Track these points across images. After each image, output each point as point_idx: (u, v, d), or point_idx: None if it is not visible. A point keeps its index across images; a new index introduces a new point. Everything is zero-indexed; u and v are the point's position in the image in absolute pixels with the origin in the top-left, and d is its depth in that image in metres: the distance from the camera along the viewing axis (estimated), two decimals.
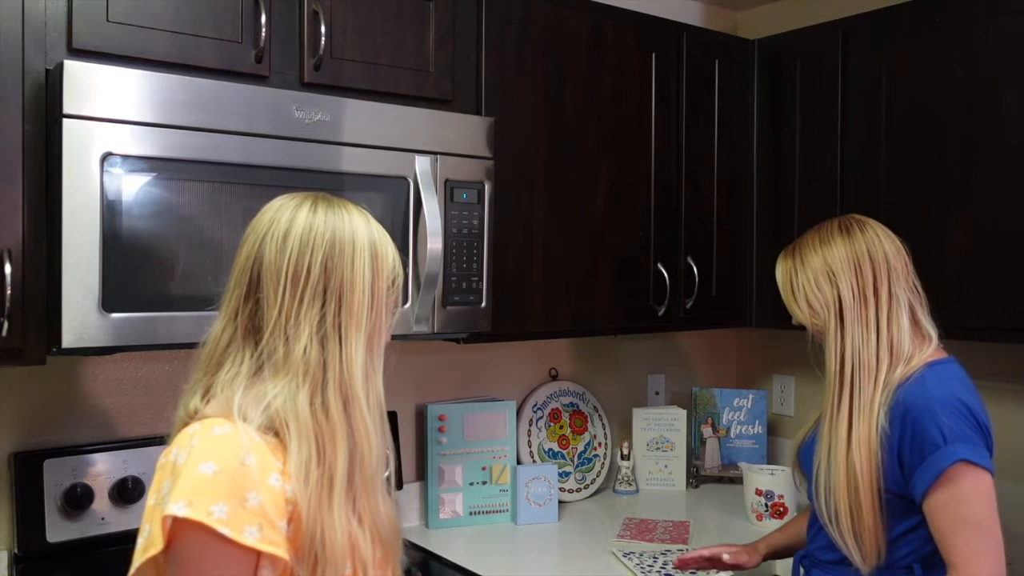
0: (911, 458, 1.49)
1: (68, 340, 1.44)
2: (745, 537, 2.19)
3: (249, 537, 0.98)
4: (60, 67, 1.43)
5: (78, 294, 1.44)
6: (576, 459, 2.63)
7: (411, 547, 2.16)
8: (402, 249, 1.76)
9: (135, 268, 1.49)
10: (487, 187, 1.91)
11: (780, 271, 1.71)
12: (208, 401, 1.10)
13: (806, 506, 1.90)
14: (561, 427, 2.62)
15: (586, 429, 2.67)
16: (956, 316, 1.86)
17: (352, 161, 1.71)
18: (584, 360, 2.73)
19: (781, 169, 2.53)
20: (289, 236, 1.10)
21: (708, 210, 2.51)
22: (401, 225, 1.79)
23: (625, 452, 2.70)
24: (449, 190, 1.85)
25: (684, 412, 2.77)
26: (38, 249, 1.49)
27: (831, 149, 2.38)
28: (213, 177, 1.57)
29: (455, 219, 1.86)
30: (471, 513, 2.37)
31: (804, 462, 1.74)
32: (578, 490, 2.61)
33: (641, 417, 2.76)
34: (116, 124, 1.47)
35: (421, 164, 1.79)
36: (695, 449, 2.81)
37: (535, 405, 2.58)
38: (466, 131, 1.88)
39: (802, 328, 1.70)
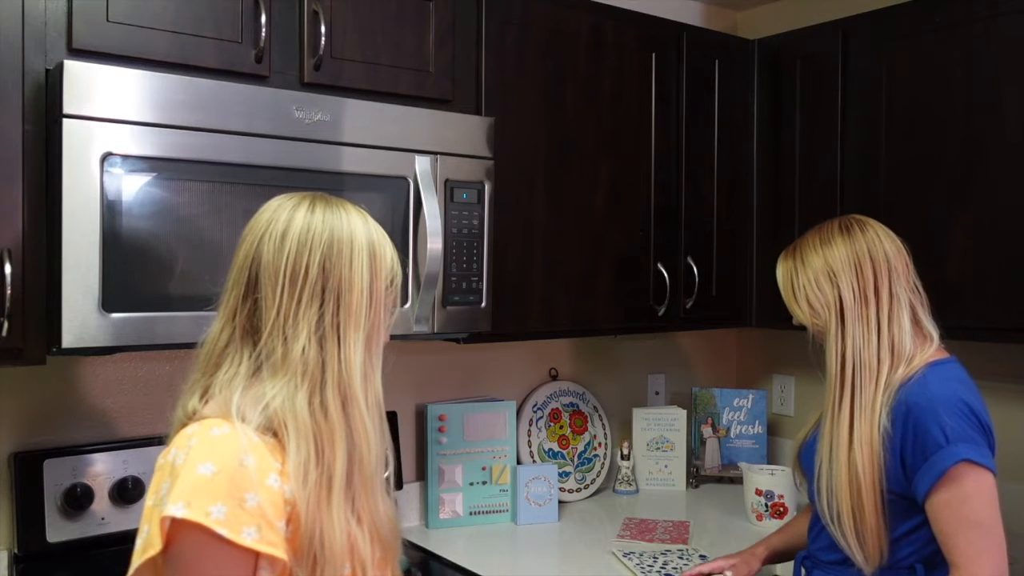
0: (913, 458, 1.49)
1: (68, 340, 1.44)
2: (745, 537, 2.20)
3: (247, 538, 0.98)
4: (60, 67, 1.43)
5: (78, 294, 1.44)
6: (576, 459, 2.63)
7: (411, 547, 2.16)
8: (402, 249, 1.76)
9: (135, 268, 1.49)
10: (487, 187, 1.91)
11: (781, 271, 1.71)
12: (206, 402, 1.10)
13: (806, 506, 1.90)
14: (561, 427, 2.62)
15: (586, 429, 2.67)
16: (956, 316, 1.86)
17: (352, 161, 1.71)
18: (584, 360, 2.73)
19: (781, 169, 2.53)
20: (287, 236, 1.10)
21: (708, 210, 2.51)
22: (401, 225, 1.79)
23: (625, 452, 2.70)
24: (449, 190, 1.85)
25: (684, 412, 2.77)
26: (38, 249, 1.49)
27: (831, 149, 2.38)
28: (213, 177, 1.57)
29: (455, 219, 1.86)
30: (471, 513, 2.37)
31: (805, 462, 1.74)
32: (578, 490, 2.61)
33: (641, 417, 2.76)
34: (116, 124, 1.47)
35: (421, 164, 1.79)
36: (695, 449, 2.81)
37: (535, 405, 2.58)
38: (466, 131, 1.88)
39: (803, 328, 1.70)
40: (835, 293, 1.60)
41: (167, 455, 1.04)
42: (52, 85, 1.47)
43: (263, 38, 1.68)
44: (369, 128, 1.73)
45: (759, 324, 2.61)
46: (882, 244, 1.62)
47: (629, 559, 2.07)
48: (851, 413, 1.56)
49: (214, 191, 1.57)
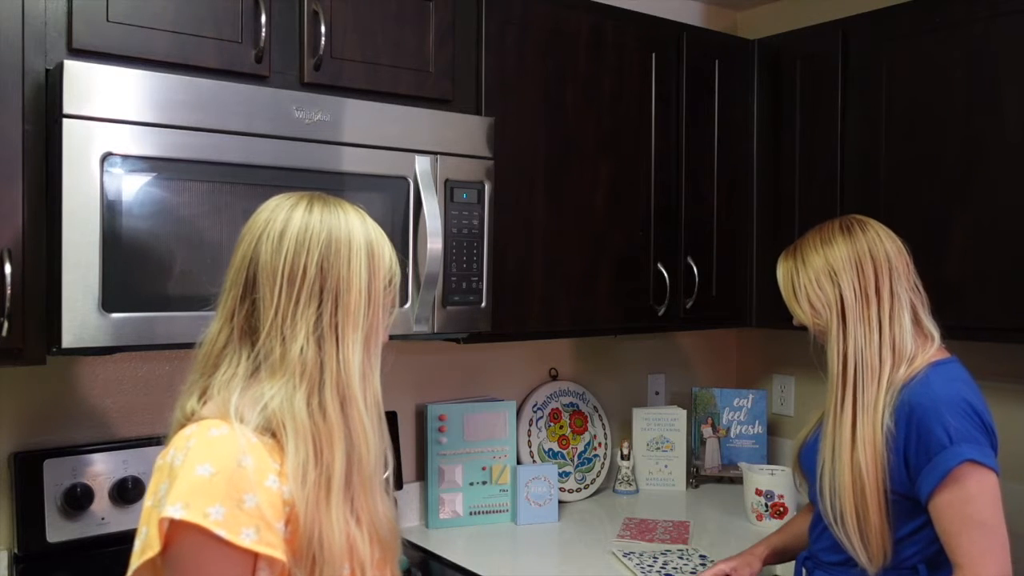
0: (917, 458, 1.49)
1: (68, 340, 1.44)
2: (745, 537, 2.20)
3: (246, 539, 0.98)
4: (60, 67, 1.43)
5: (78, 294, 1.44)
6: (576, 459, 2.63)
7: (411, 547, 2.16)
8: (402, 249, 1.76)
9: (135, 268, 1.49)
10: (487, 187, 1.91)
11: (781, 271, 1.71)
12: (205, 402, 1.09)
13: (805, 506, 1.90)
14: (561, 427, 2.62)
15: (586, 429, 2.67)
16: (956, 316, 1.86)
17: (352, 161, 1.71)
18: (584, 360, 2.73)
19: (781, 169, 2.53)
20: (285, 236, 1.10)
21: (708, 210, 2.51)
22: (401, 225, 1.79)
23: (625, 452, 2.70)
24: (449, 190, 1.85)
25: (684, 412, 2.76)
26: (38, 249, 1.49)
27: (831, 149, 2.38)
28: (213, 177, 1.57)
29: (455, 219, 1.86)
30: (471, 513, 2.37)
31: (805, 463, 1.73)
32: (578, 490, 2.61)
33: (641, 417, 2.76)
34: (116, 124, 1.47)
35: (421, 164, 1.79)
36: (695, 449, 2.81)
37: (535, 405, 2.58)
38: (466, 131, 1.88)
39: (803, 328, 1.70)
40: (836, 293, 1.60)
41: (165, 456, 1.04)
42: (52, 85, 1.47)
43: (263, 38, 1.68)
44: (369, 128, 1.73)
45: (759, 324, 2.61)
46: (883, 244, 1.62)
47: (629, 559, 2.07)
48: (853, 413, 1.56)
49: (214, 191, 1.57)
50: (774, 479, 2.43)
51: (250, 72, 1.68)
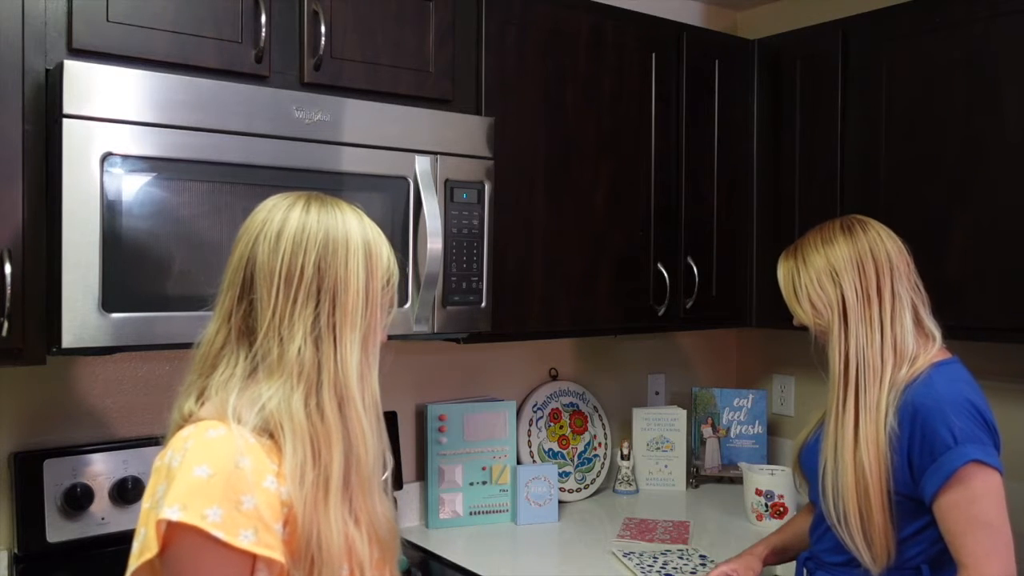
0: (921, 459, 1.49)
1: (68, 340, 1.44)
2: (745, 537, 2.20)
3: (244, 540, 0.98)
4: (60, 67, 1.43)
5: (78, 294, 1.44)
6: (576, 459, 2.63)
7: (411, 547, 2.16)
8: (402, 249, 1.76)
9: (135, 268, 1.49)
10: (487, 187, 1.91)
11: (782, 271, 1.71)
12: (203, 403, 1.09)
13: (805, 506, 1.90)
14: (561, 427, 2.62)
15: (586, 429, 2.67)
16: (956, 316, 1.86)
17: (352, 161, 1.71)
18: (584, 360, 2.73)
19: (781, 169, 2.53)
20: (282, 236, 1.10)
21: (708, 210, 2.51)
22: (401, 225, 1.79)
23: (625, 452, 2.70)
24: (449, 190, 1.85)
25: (684, 412, 2.76)
26: (38, 249, 1.49)
27: (831, 149, 2.38)
28: (213, 177, 1.57)
29: (455, 219, 1.86)
30: (471, 513, 2.37)
31: (806, 463, 1.73)
32: (578, 490, 2.61)
33: (641, 417, 2.76)
34: (116, 124, 1.47)
35: (421, 164, 1.79)
36: (695, 449, 2.81)
37: (535, 405, 2.58)
38: (466, 131, 1.88)
39: (803, 329, 1.69)
40: (838, 292, 1.60)
41: (163, 457, 1.04)
42: (52, 85, 1.47)
43: (263, 38, 1.68)
44: (369, 128, 1.73)
45: (759, 324, 2.61)
46: (884, 244, 1.62)
47: (629, 559, 2.07)
48: (856, 413, 1.56)
49: (214, 191, 1.57)
50: (774, 479, 2.43)
51: (250, 72, 1.68)
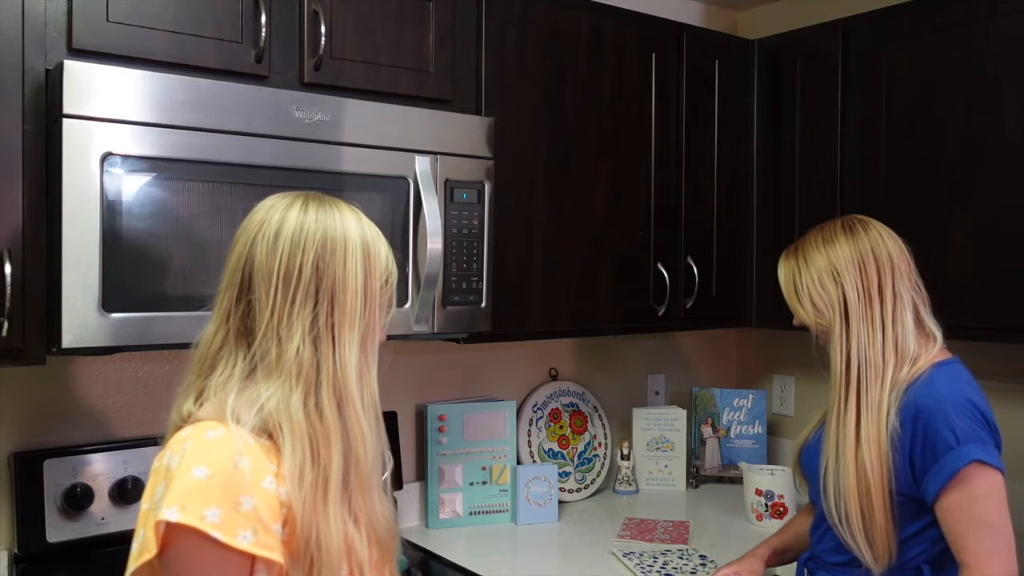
0: (923, 459, 1.49)
1: (68, 340, 1.44)
2: (745, 537, 2.20)
3: (243, 541, 0.98)
4: (60, 67, 1.43)
5: (78, 294, 1.44)
6: (576, 459, 2.63)
7: (411, 547, 2.16)
8: (402, 249, 1.76)
9: (135, 268, 1.49)
10: (487, 187, 1.91)
11: (783, 271, 1.70)
12: (201, 404, 1.09)
13: (805, 506, 1.90)
14: (561, 427, 2.62)
15: (586, 429, 2.67)
16: (956, 316, 1.86)
17: (352, 161, 1.71)
18: (584, 360, 2.73)
19: (781, 169, 2.53)
20: (280, 236, 1.09)
21: (708, 210, 2.51)
22: (401, 225, 1.79)
23: (625, 452, 2.70)
24: (449, 190, 1.85)
25: (684, 412, 2.76)
26: (38, 249, 1.49)
27: (831, 149, 2.38)
28: (213, 177, 1.57)
29: (455, 219, 1.86)
30: (471, 513, 2.37)
31: (806, 463, 1.73)
32: (578, 490, 2.61)
33: (641, 417, 2.76)
34: (116, 124, 1.47)
35: (421, 164, 1.79)
36: (695, 449, 2.81)
37: (535, 405, 2.58)
38: (466, 131, 1.88)
39: (804, 329, 1.69)
40: (839, 292, 1.60)
41: (162, 458, 1.04)
42: (52, 85, 1.47)
43: (263, 38, 1.68)
44: (369, 128, 1.73)
45: (759, 324, 2.61)
46: (885, 243, 1.62)
47: (629, 559, 2.07)
48: (857, 413, 1.56)
49: (214, 191, 1.57)
50: (774, 479, 2.43)
51: (250, 72, 1.68)
